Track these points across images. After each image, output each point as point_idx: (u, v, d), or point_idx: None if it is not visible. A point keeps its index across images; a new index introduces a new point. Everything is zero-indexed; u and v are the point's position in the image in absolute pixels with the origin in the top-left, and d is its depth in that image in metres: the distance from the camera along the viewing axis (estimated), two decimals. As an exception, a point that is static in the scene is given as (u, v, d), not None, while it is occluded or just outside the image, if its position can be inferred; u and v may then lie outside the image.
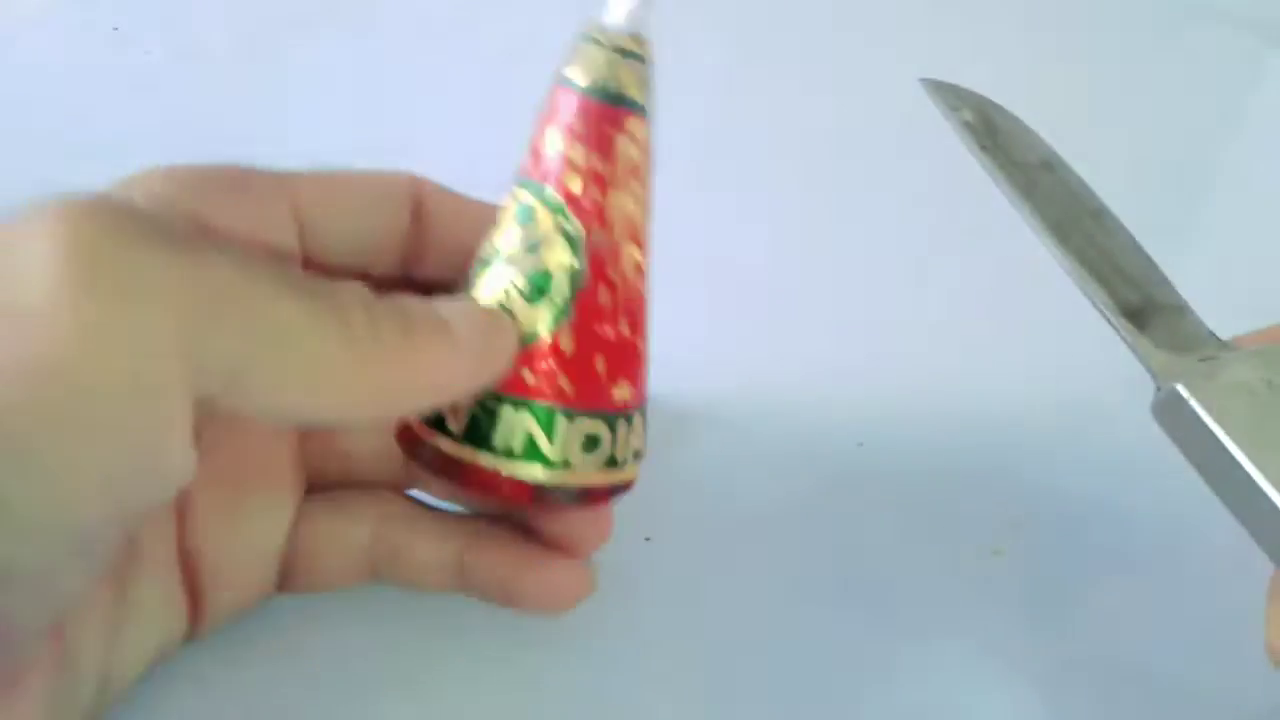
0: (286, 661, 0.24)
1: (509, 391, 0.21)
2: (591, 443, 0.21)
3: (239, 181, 0.21)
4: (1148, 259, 0.27)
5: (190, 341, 0.16)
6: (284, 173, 0.22)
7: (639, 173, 0.22)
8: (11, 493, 0.15)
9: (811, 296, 0.38)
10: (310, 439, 0.24)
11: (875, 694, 0.25)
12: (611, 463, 0.22)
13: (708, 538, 0.29)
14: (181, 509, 0.22)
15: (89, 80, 0.45)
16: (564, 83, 0.22)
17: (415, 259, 0.24)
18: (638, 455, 0.23)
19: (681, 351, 0.35)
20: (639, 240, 0.22)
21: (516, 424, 0.21)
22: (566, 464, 0.21)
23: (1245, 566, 0.29)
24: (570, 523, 0.24)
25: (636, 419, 0.23)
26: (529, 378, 0.21)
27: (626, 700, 0.25)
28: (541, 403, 0.21)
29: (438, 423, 0.22)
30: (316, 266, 0.22)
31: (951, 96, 0.29)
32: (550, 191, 0.21)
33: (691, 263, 0.33)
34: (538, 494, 0.21)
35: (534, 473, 0.21)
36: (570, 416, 0.21)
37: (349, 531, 0.24)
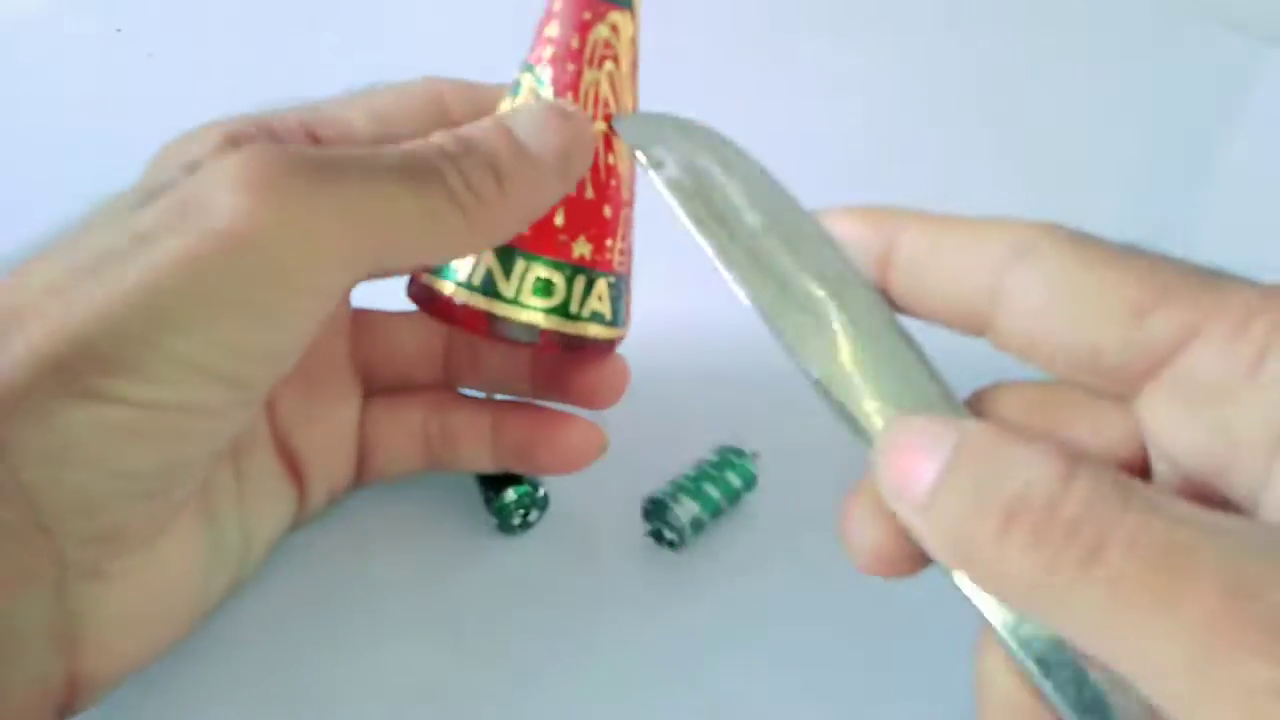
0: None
1: None
2: (545, 286, 0.24)
3: (269, 128, 0.24)
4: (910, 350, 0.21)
5: (345, 240, 0.20)
6: (304, 108, 0.24)
7: (616, 59, 0.24)
8: (212, 347, 0.19)
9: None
10: (360, 344, 0.28)
11: (879, 693, 0.26)
12: (564, 311, 0.24)
13: (708, 537, 0.29)
14: (270, 406, 0.26)
15: (92, 80, 0.46)
16: None
17: None
18: (599, 318, 0.25)
19: (684, 352, 0.35)
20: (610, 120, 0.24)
21: (480, 262, 0.24)
22: (518, 301, 0.24)
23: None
24: (579, 376, 0.27)
25: (600, 283, 0.25)
26: None
27: (626, 699, 0.25)
28: (504, 246, 0.24)
29: None
30: None
31: (651, 138, 0.23)
32: (534, 67, 0.24)
33: (690, 269, 0.33)
34: (491, 323, 0.24)
35: (489, 305, 0.24)
36: (527, 259, 0.24)
37: (405, 418, 0.28)
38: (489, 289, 0.24)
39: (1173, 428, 0.18)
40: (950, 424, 0.17)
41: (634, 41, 0.25)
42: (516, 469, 0.28)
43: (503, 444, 0.28)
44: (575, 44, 0.24)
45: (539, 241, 0.24)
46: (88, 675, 0.21)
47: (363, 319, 0.28)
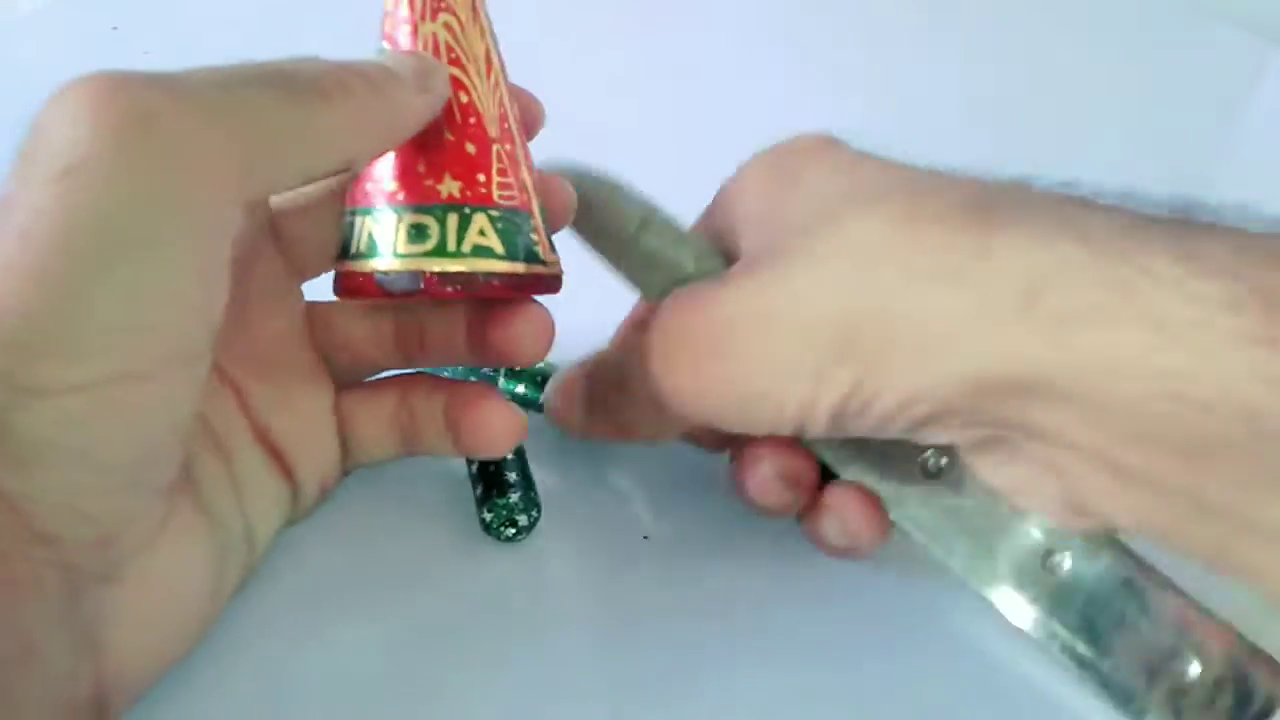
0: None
1: (359, 205, 0.25)
2: (419, 230, 0.24)
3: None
4: None
5: (215, 151, 0.19)
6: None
7: (452, 9, 0.25)
8: (126, 306, 0.19)
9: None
10: (317, 335, 0.28)
11: (877, 694, 0.25)
12: (442, 251, 0.24)
13: (707, 537, 0.29)
14: (241, 398, 0.26)
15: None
16: None
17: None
18: (487, 252, 0.25)
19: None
20: (459, 63, 0.25)
21: (363, 230, 0.25)
22: (396, 253, 0.24)
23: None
24: (497, 330, 0.27)
25: (478, 217, 0.25)
26: (370, 190, 0.25)
27: (625, 699, 0.25)
28: (377, 207, 0.25)
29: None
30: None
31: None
32: (381, 44, 0.25)
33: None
34: (380, 283, 0.24)
35: (374, 265, 0.24)
36: (398, 211, 0.24)
37: (378, 405, 0.28)
38: (372, 251, 0.24)
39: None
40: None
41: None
42: (461, 453, 0.28)
43: (451, 426, 0.28)
44: (404, 10, 0.25)
45: (406, 192, 0.24)
46: (113, 681, 0.21)
47: (314, 311, 0.28)
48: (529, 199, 0.26)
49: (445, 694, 0.25)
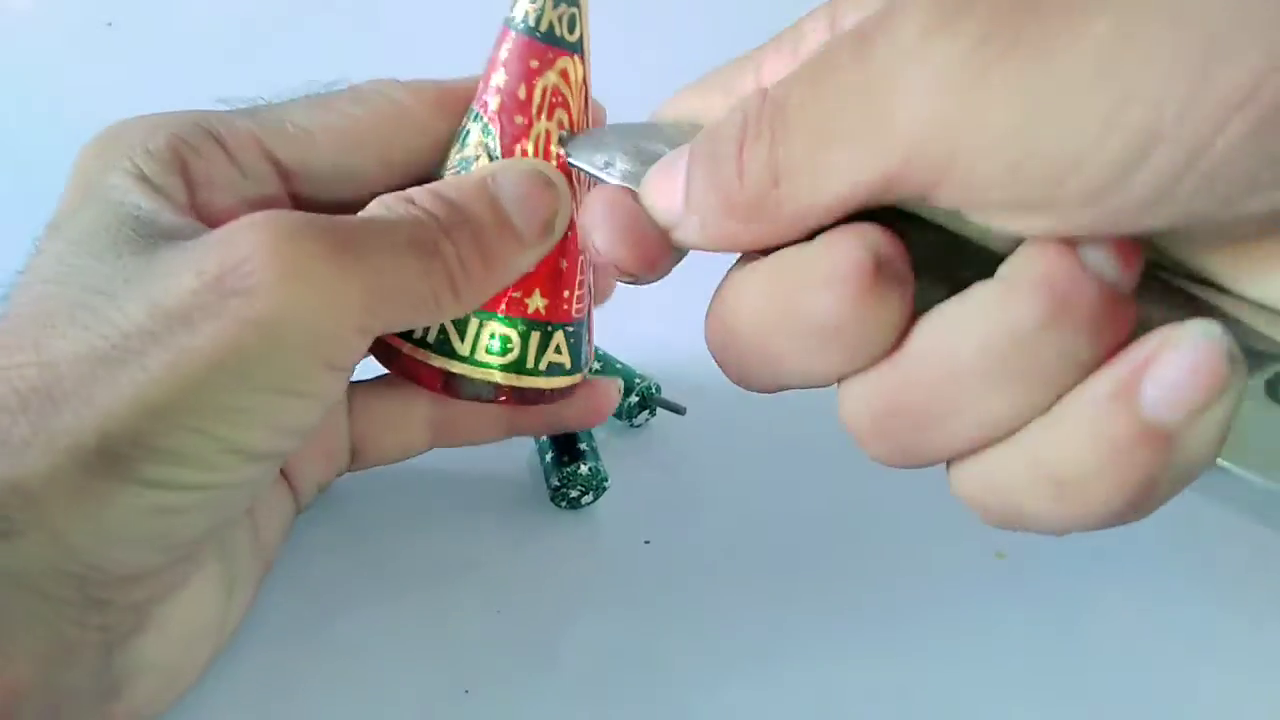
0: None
1: None
2: (502, 344, 0.24)
3: (219, 136, 0.23)
4: None
5: (363, 322, 0.21)
6: (257, 115, 0.24)
7: (567, 105, 0.24)
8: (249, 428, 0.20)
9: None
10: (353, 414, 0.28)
11: (875, 694, 0.25)
12: (520, 367, 0.24)
13: (707, 541, 0.29)
14: None
15: (83, 75, 0.45)
16: (506, 22, 0.24)
17: (426, 167, 0.25)
18: (558, 369, 0.25)
19: (682, 352, 0.35)
20: (566, 170, 0.24)
21: (435, 323, 0.24)
22: (473, 360, 0.24)
23: (1249, 571, 0.29)
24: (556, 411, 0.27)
25: (557, 334, 0.25)
26: None
27: (624, 701, 0.25)
28: None
29: None
30: (309, 206, 0.24)
31: (593, 149, 0.23)
32: (482, 117, 0.24)
33: (695, 262, 0.33)
34: (447, 381, 0.24)
35: (446, 364, 0.24)
36: (481, 317, 0.24)
37: (408, 408, 0.28)
38: (444, 347, 0.24)
39: None
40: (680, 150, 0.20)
41: (585, 83, 0.25)
42: (534, 434, 0.29)
43: (524, 417, 0.28)
44: (523, 94, 0.24)
45: (493, 299, 0.24)
46: (127, 717, 0.21)
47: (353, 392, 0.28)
48: (590, 301, 0.26)
49: (444, 694, 0.24)
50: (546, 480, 0.29)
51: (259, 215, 0.20)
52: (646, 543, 0.29)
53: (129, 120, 0.24)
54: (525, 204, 0.23)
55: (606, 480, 0.29)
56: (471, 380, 0.24)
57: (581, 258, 0.25)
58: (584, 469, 0.29)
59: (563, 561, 0.28)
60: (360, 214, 0.22)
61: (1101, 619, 0.28)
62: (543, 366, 0.25)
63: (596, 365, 0.31)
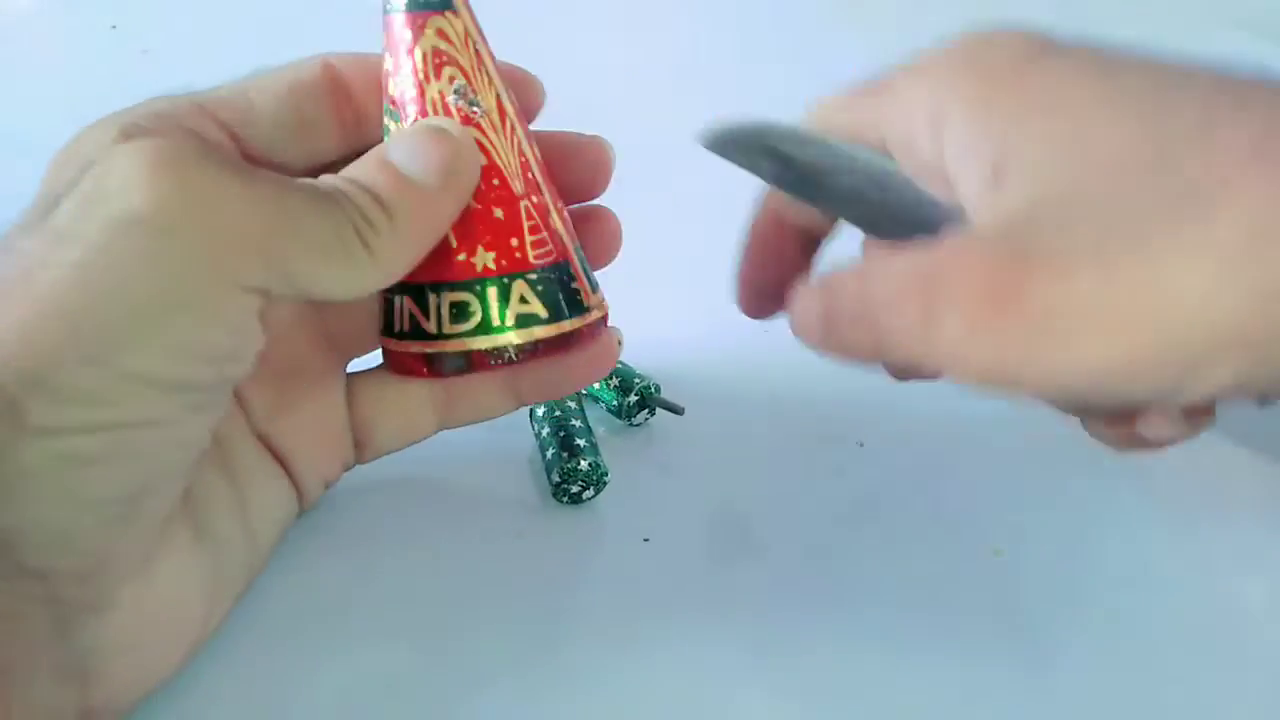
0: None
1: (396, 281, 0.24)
2: (461, 310, 0.24)
3: (165, 114, 0.23)
4: None
5: (261, 245, 0.20)
6: (197, 95, 0.24)
7: (453, 60, 0.24)
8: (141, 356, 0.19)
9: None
10: (330, 321, 0.27)
11: (874, 693, 0.25)
12: (486, 327, 0.24)
13: (707, 539, 0.29)
14: (240, 402, 0.25)
15: (87, 77, 0.45)
16: (383, 10, 0.24)
17: (355, 128, 0.26)
18: (533, 319, 0.24)
19: (681, 352, 0.35)
20: (471, 121, 0.24)
21: (403, 309, 0.24)
22: (441, 334, 0.24)
23: (1248, 566, 0.29)
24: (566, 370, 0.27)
25: (517, 284, 0.24)
26: None
27: (624, 700, 0.25)
28: (412, 284, 0.24)
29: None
30: (260, 163, 0.24)
31: (738, 150, 0.24)
32: (389, 107, 0.24)
33: (692, 263, 0.33)
34: (428, 364, 0.24)
35: (421, 346, 0.24)
36: (436, 290, 0.24)
37: (407, 391, 0.27)
38: (416, 331, 0.24)
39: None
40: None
41: (470, 36, 0.25)
42: (542, 399, 0.29)
43: (525, 379, 0.28)
44: (408, 69, 0.24)
45: (439, 268, 0.24)
46: (102, 704, 0.21)
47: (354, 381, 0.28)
48: (565, 245, 0.26)
49: (446, 695, 0.24)
50: (548, 476, 0.29)
51: (143, 139, 0.20)
52: (646, 540, 0.29)
53: (89, 127, 0.23)
54: (417, 155, 0.23)
55: (607, 475, 0.29)
56: (447, 354, 0.24)
57: (526, 203, 0.25)
58: (584, 464, 0.29)
59: (563, 558, 0.28)
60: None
61: (1101, 619, 0.28)
62: (510, 321, 0.24)
63: None
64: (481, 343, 0.24)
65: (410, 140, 0.23)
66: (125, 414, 0.19)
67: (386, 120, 0.25)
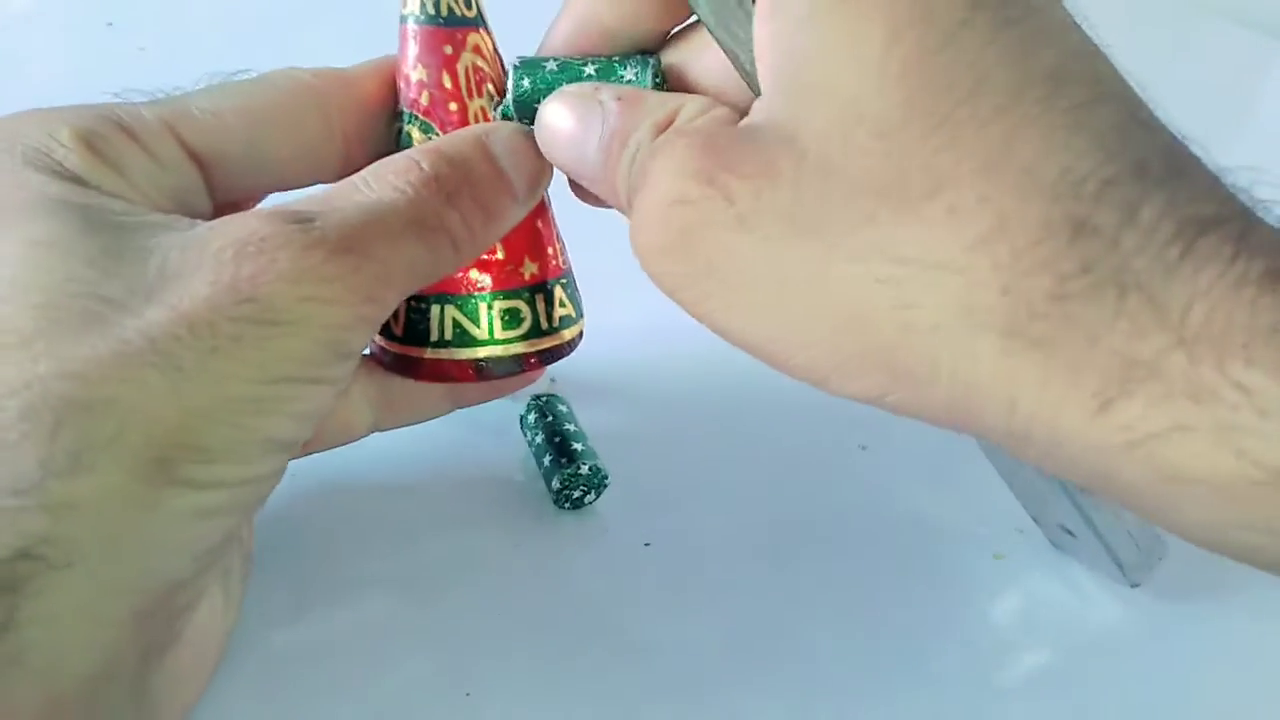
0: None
1: (430, 292, 0.25)
2: (513, 317, 0.25)
3: (128, 127, 0.23)
4: None
5: (379, 304, 0.22)
6: (163, 104, 0.24)
7: (488, 76, 0.25)
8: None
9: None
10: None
11: (876, 699, 0.25)
12: (538, 331, 0.25)
13: (708, 543, 0.29)
14: None
15: (82, 75, 0.45)
16: (404, 20, 0.25)
17: (330, 157, 0.25)
18: (569, 320, 0.26)
19: (681, 352, 0.35)
20: None
21: (445, 318, 0.25)
22: (494, 340, 0.25)
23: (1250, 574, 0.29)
24: None
25: (556, 289, 0.26)
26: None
27: (624, 704, 0.25)
28: (459, 294, 0.25)
29: (383, 329, 0.26)
30: (225, 193, 0.24)
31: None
32: (416, 116, 0.25)
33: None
34: (478, 370, 0.25)
35: (472, 354, 0.25)
36: (487, 299, 0.25)
37: (347, 395, 0.27)
38: (464, 339, 0.25)
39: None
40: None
41: (496, 50, 0.25)
42: (481, 401, 0.29)
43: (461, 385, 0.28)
44: (448, 83, 0.24)
45: (492, 280, 0.25)
46: None
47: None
48: (566, 249, 0.27)
49: (446, 692, 0.24)
50: (547, 483, 0.29)
51: (251, 218, 0.20)
52: (647, 545, 0.29)
53: (29, 114, 0.22)
54: (517, 159, 0.23)
55: (607, 477, 0.29)
56: (501, 359, 0.25)
57: (549, 212, 0.26)
58: (585, 469, 0.29)
59: (563, 563, 0.28)
60: (349, 197, 0.22)
61: (1100, 620, 0.28)
62: (555, 323, 0.26)
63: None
64: (533, 346, 0.25)
65: (511, 137, 0.24)
66: (252, 472, 0.20)
67: (408, 126, 0.25)
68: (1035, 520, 0.29)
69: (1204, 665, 0.27)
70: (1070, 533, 0.28)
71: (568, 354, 0.26)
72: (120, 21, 0.51)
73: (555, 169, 0.24)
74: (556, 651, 0.26)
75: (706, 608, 0.27)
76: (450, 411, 0.29)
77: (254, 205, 0.26)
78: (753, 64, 0.21)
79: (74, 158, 0.21)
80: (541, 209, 0.26)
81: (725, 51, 0.22)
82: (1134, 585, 0.28)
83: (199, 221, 0.21)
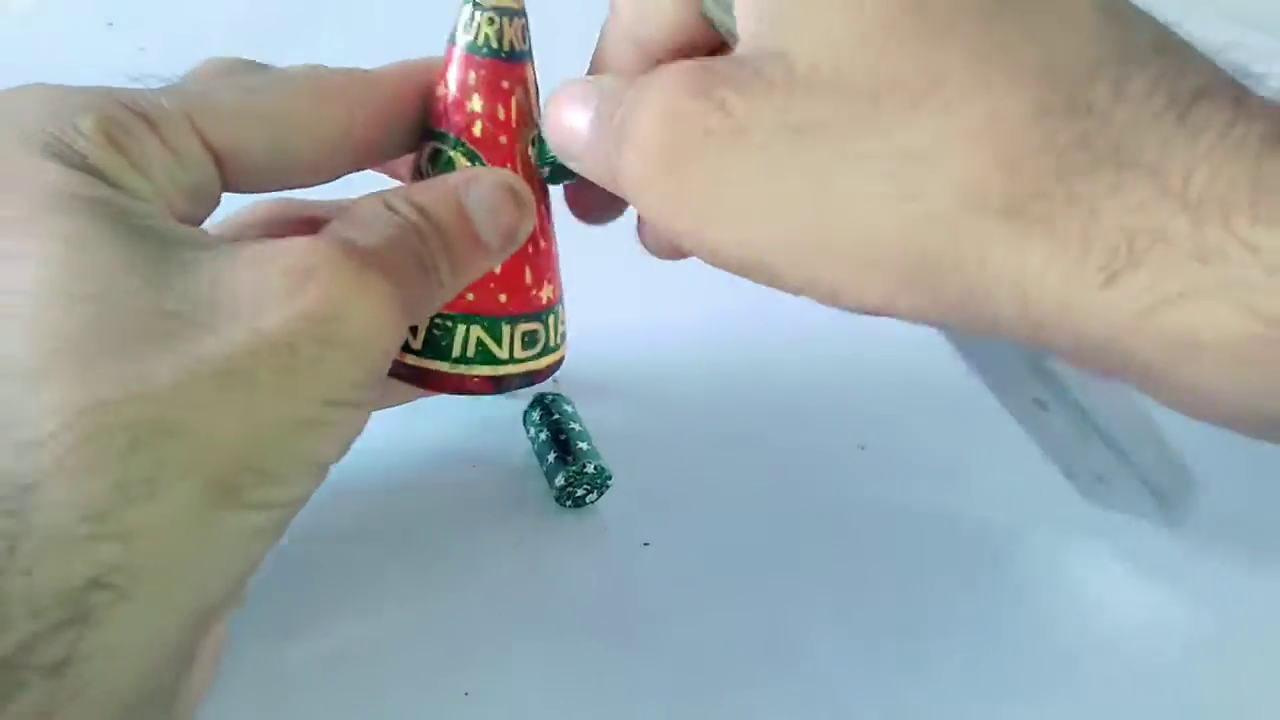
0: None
1: (458, 311, 0.25)
2: (530, 338, 0.26)
3: (150, 118, 0.22)
4: None
5: (403, 326, 0.22)
6: (185, 96, 0.23)
7: (533, 115, 0.25)
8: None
9: (814, 302, 0.38)
10: None
11: (875, 697, 0.25)
12: (547, 349, 0.26)
13: (707, 543, 0.29)
14: None
15: (83, 76, 0.45)
16: (467, 48, 0.25)
17: (348, 162, 0.25)
18: (563, 336, 0.27)
19: (681, 353, 0.35)
20: (543, 174, 0.26)
21: (469, 337, 0.25)
22: (514, 359, 0.26)
23: (1252, 583, 0.29)
24: None
25: (560, 309, 0.27)
26: (471, 296, 0.25)
27: (624, 705, 0.25)
28: (487, 316, 0.25)
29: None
30: (240, 191, 0.24)
31: None
32: (462, 142, 0.25)
33: (690, 272, 0.33)
34: (495, 385, 0.26)
35: (490, 371, 0.25)
36: (512, 323, 0.25)
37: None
38: (487, 358, 0.25)
39: None
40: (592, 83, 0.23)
41: (536, 82, 0.25)
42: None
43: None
44: (502, 115, 0.25)
45: (517, 304, 0.25)
46: None
47: None
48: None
49: (444, 693, 0.24)
50: (550, 481, 0.29)
51: (301, 241, 0.20)
52: (646, 544, 0.29)
53: (16, 92, 0.21)
54: (493, 216, 0.23)
55: (610, 476, 0.29)
56: (516, 376, 0.26)
57: (554, 235, 0.27)
58: (589, 468, 0.29)
59: (563, 561, 0.28)
60: (366, 220, 0.22)
61: (1099, 623, 0.28)
62: (559, 341, 0.27)
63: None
64: (542, 363, 0.26)
65: (490, 194, 0.24)
66: (301, 493, 0.20)
67: (451, 151, 0.25)
68: (1067, 475, 0.29)
69: (1204, 662, 0.27)
70: (1104, 480, 0.28)
71: (560, 367, 0.27)
72: (120, 22, 0.51)
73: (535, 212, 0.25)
74: (556, 650, 0.26)
75: (706, 607, 0.27)
76: (415, 399, 0.29)
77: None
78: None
79: (97, 151, 0.20)
80: (551, 234, 0.26)
81: (716, 25, 0.22)
82: (1173, 525, 0.28)
83: (221, 238, 0.21)
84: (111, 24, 0.51)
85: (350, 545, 0.28)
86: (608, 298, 0.29)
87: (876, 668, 0.26)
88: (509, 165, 0.25)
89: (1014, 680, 0.26)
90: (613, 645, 0.26)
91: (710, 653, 0.26)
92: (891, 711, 0.25)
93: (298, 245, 0.20)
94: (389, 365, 0.22)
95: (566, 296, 0.27)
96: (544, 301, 0.26)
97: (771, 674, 0.26)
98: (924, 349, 0.36)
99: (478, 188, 0.23)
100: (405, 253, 0.22)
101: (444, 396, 0.32)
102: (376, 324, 0.20)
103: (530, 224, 0.25)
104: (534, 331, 0.26)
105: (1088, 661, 0.26)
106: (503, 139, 0.25)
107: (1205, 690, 0.26)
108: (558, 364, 0.27)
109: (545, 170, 0.25)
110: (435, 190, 0.23)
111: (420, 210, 0.23)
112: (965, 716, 0.25)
